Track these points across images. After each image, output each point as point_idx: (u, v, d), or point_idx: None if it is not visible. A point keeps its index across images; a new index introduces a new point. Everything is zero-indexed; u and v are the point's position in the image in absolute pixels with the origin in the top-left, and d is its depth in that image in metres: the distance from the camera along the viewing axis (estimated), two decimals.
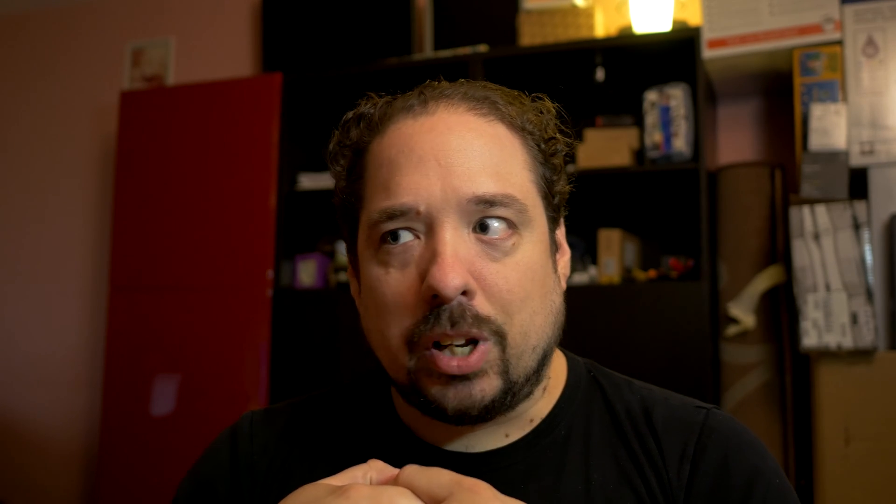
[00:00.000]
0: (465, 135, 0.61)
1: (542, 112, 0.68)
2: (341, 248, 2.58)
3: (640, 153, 2.29)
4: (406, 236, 0.60)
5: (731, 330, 2.09)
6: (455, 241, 0.59)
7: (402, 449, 0.69)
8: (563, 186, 0.69)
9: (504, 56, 2.37)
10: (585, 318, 2.12)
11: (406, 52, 2.61)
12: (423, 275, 0.59)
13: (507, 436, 0.67)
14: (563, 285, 0.69)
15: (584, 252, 2.36)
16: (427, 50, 2.63)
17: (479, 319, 0.58)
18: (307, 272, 2.57)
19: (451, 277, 0.56)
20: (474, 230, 0.60)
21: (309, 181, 2.58)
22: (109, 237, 2.81)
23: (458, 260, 0.58)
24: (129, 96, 2.80)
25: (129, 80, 3.22)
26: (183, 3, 3.23)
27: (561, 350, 0.74)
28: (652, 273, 2.22)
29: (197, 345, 2.53)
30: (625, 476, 0.65)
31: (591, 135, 2.31)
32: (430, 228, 0.60)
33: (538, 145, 0.66)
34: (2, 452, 3.22)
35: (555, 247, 0.68)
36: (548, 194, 0.66)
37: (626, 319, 2.13)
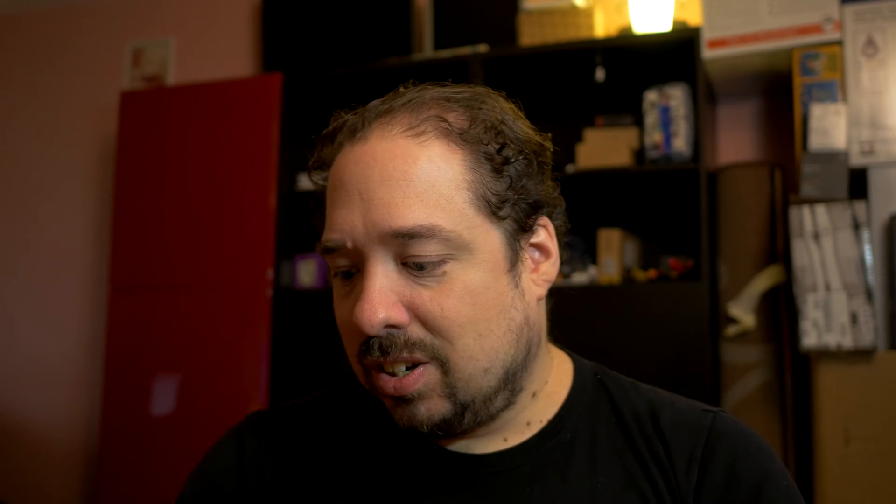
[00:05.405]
0: (389, 164, 0.59)
1: (507, 114, 0.64)
2: None
3: (639, 153, 2.29)
4: (346, 272, 0.62)
5: (731, 330, 2.09)
6: (382, 275, 0.59)
7: (408, 448, 0.69)
8: (542, 187, 0.65)
9: (504, 56, 2.37)
10: (585, 318, 2.12)
11: (406, 52, 2.61)
12: None
13: (505, 440, 0.67)
14: (542, 292, 0.66)
15: (584, 252, 2.36)
16: (427, 50, 2.63)
17: (412, 344, 0.59)
18: (307, 272, 2.57)
19: (368, 315, 0.58)
20: (404, 262, 0.59)
21: (309, 181, 2.57)
22: (109, 237, 2.81)
23: (384, 295, 0.58)
24: (129, 96, 2.80)
25: (129, 80, 3.22)
26: (183, 3, 3.23)
27: (568, 353, 0.74)
28: (652, 273, 2.22)
29: (197, 345, 2.53)
30: (631, 479, 0.65)
31: (591, 135, 2.31)
32: (361, 263, 0.61)
33: (490, 155, 0.61)
34: (2, 452, 3.22)
35: (516, 257, 0.63)
36: (500, 207, 0.61)
37: (626, 319, 2.13)
